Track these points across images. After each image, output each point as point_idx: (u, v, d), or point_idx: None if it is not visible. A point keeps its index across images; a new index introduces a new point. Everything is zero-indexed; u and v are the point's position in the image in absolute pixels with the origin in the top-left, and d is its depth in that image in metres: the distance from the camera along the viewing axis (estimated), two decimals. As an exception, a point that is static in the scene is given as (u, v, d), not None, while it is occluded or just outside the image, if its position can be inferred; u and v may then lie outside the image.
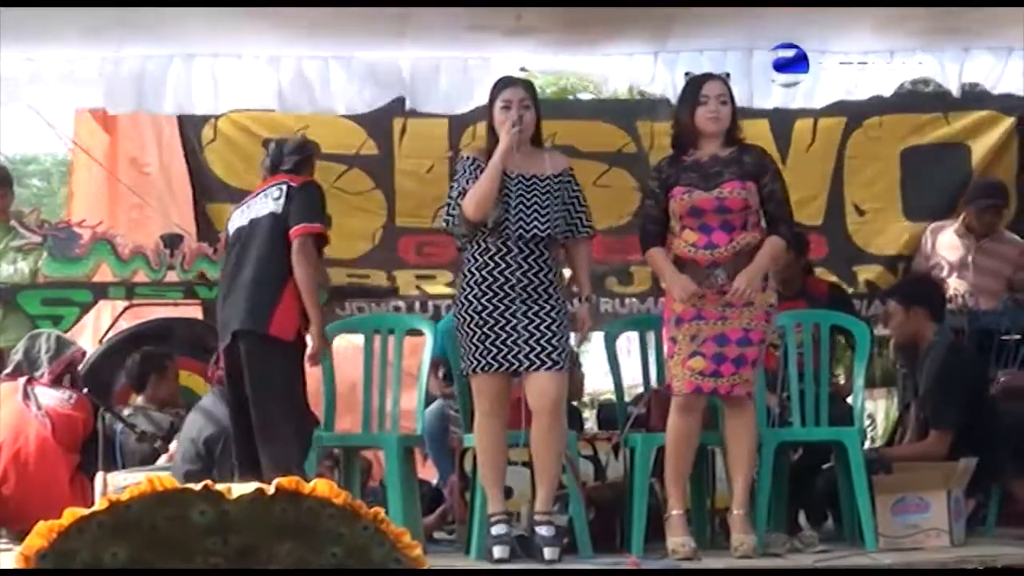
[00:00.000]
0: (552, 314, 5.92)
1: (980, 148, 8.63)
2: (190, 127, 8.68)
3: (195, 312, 8.22)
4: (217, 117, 8.55)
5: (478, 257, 5.95)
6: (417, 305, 8.48)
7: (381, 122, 8.51)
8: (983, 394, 6.84)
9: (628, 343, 6.98)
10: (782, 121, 8.51)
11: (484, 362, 5.88)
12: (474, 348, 5.89)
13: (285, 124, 8.23)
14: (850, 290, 8.36)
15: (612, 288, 8.60)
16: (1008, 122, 8.65)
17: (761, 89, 7.48)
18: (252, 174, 7.37)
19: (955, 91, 7.80)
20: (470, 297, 5.93)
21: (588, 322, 6.11)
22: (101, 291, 7.96)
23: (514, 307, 5.88)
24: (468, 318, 5.92)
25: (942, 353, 6.77)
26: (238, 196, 7.55)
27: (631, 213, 8.28)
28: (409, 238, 8.60)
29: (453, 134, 8.53)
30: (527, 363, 5.86)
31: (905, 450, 6.75)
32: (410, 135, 8.58)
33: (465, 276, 5.99)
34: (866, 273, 8.70)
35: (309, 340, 6.10)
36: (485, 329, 5.89)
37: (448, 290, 8.36)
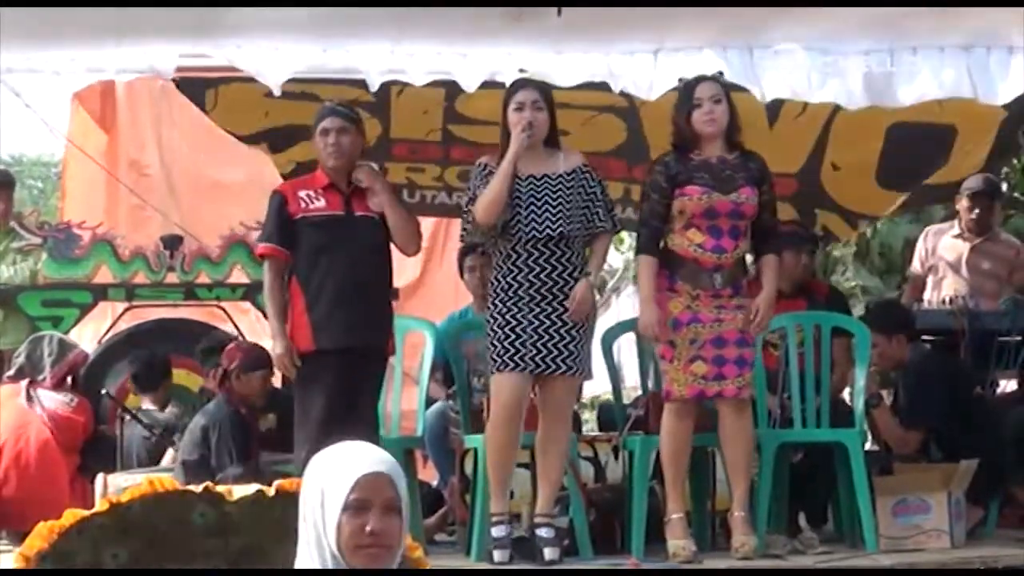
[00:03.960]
0: (571, 317, 5.89)
1: (965, 130, 8.61)
2: (190, 90, 8.58)
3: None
4: (218, 85, 8.45)
5: (501, 265, 5.94)
6: (405, 193, 8.56)
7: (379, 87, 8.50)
8: (967, 395, 6.85)
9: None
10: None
11: (502, 362, 5.85)
12: (494, 348, 5.87)
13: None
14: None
15: None
16: (998, 113, 8.63)
17: (763, 88, 7.46)
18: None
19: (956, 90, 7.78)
20: (496, 301, 5.92)
21: (581, 298, 5.88)
22: (101, 292, 7.95)
23: (529, 309, 5.86)
24: (492, 320, 5.91)
25: (917, 360, 6.88)
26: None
27: (617, 144, 8.46)
28: (403, 144, 8.64)
29: (449, 97, 8.54)
30: (542, 366, 5.84)
31: (888, 425, 6.77)
32: (406, 95, 8.51)
33: (492, 283, 5.99)
34: (825, 219, 8.82)
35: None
36: (507, 330, 5.86)
37: (436, 183, 8.47)
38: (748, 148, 6.10)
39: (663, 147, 8.34)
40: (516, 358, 5.83)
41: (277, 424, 6.77)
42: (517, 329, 5.85)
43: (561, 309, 5.87)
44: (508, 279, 5.90)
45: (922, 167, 8.65)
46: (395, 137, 8.61)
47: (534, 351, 5.83)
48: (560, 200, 5.92)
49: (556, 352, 5.85)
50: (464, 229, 6.07)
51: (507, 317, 5.87)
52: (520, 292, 5.88)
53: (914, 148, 8.55)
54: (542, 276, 5.88)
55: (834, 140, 8.64)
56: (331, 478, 2.96)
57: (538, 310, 5.86)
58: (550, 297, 5.87)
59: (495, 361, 5.87)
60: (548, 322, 5.86)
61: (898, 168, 8.65)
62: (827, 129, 8.60)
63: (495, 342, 5.87)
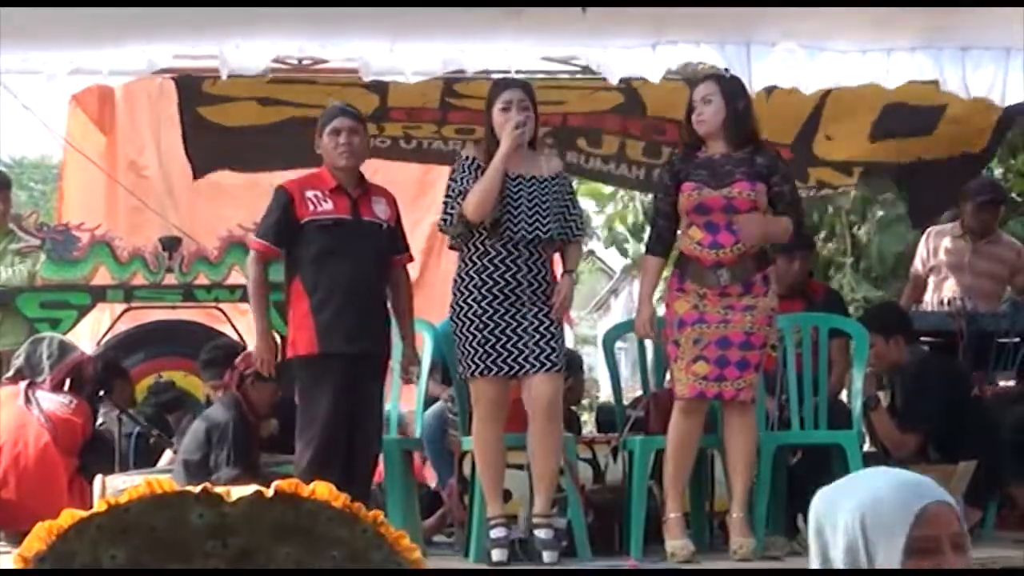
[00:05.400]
0: (551, 315, 5.92)
1: (956, 107, 8.63)
2: (188, 87, 8.57)
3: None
4: (216, 78, 8.43)
5: (477, 260, 5.93)
6: (402, 143, 8.72)
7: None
8: (964, 396, 6.86)
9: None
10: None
11: (483, 366, 5.87)
12: (473, 352, 5.88)
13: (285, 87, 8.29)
14: (800, 183, 8.58)
15: (580, 146, 8.95)
16: (994, 108, 8.66)
17: (758, 83, 7.47)
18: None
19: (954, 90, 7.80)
20: (470, 300, 5.92)
21: (567, 294, 5.97)
22: (99, 294, 7.95)
23: (518, 309, 5.88)
24: (468, 321, 5.90)
25: (916, 362, 6.91)
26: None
27: (613, 105, 8.63)
28: (400, 111, 8.67)
29: (446, 86, 8.57)
30: (527, 366, 5.85)
31: (886, 427, 6.78)
32: (402, 85, 8.54)
33: (463, 279, 5.97)
34: (818, 174, 9.01)
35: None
36: (486, 332, 5.87)
37: (433, 135, 8.59)
38: (763, 142, 6.10)
39: (660, 111, 8.42)
40: (496, 361, 5.85)
41: (279, 429, 6.78)
42: (497, 331, 5.87)
43: (535, 309, 5.89)
44: (488, 277, 5.91)
45: (915, 131, 8.74)
46: (392, 106, 8.64)
47: (516, 352, 5.85)
48: (548, 203, 5.95)
49: (538, 350, 5.86)
50: (444, 220, 6.04)
51: (485, 319, 5.88)
52: (503, 291, 5.89)
53: (909, 116, 8.60)
54: (517, 276, 5.90)
55: (827, 115, 8.70)
56: (880, 511, 2.41)
57: (513, 311, 5.89)
58: (523, 298, 5.90)
59: (471, 366, 5.88)
60: (524, 322, 5.88)
61: (891, 129, 8.71)
62: (822, 103, 8.63)
63: (473, 345, 5.88)
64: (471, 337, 5.89)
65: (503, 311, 5.88)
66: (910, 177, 9.11)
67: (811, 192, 9.04)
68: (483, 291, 5.90)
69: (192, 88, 8.51)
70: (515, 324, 5.88)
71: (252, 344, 7.66)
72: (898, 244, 11.06)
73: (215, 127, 8.65)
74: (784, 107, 8.39)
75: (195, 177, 8.91)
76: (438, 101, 8.62)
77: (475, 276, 5.92)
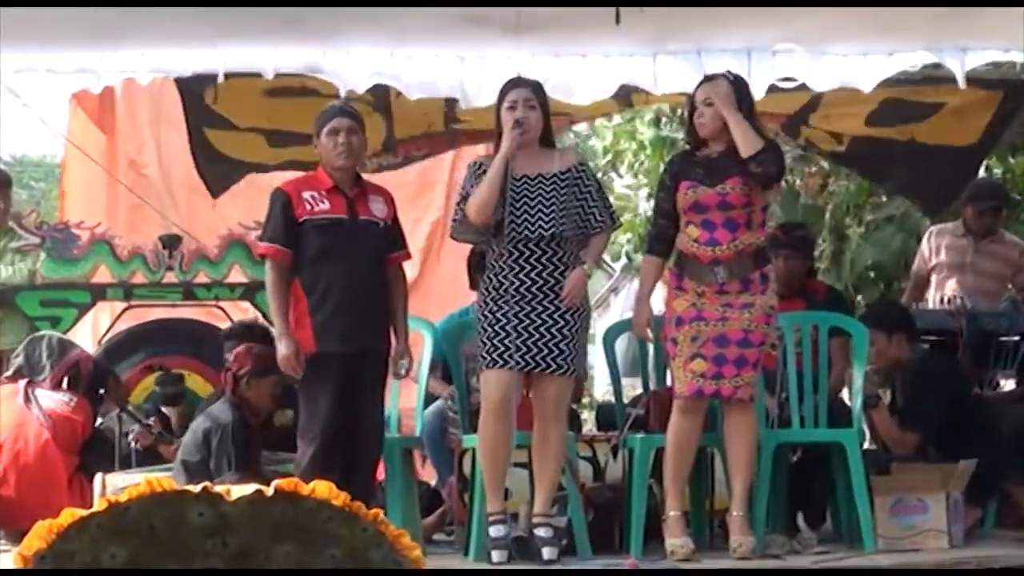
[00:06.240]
0: (564, 316, 5.90)
1: (955, 102, 8.60)
2: (190, 88, 8.54)
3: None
4: (216, 82, 8.38)
5: (494, 263, 5.95)
6: (412, 148, 8.70)
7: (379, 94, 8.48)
8: (965, 395, 6.86)
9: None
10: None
11: (490, 359, 5.87)
12: (484, 345, 5.89)
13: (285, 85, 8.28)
14: (790, 139, 8.77)
15: None
16: (992, 96, 8.64)
17: (759, 91, 7.48)
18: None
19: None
20: (487, 300, 5.94)
21: (574, 286, 5.88)
22: (99, 292, 7.95)
23: (519, 307, 5.87)
24: (484, 318, 5.93)
25: (917, 362, 6.91)
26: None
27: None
28: (408, 144, 8.66)
29: (449, 103, 8.55)
30: (533, 364, 5.85)
31: (886, 425, 6.77)
32: (406, 107, 8.51)
33: (485, 281, 6.00)
34: (808, 133, 8.91)
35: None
36: (496, 327, 5.88)
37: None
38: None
39: None
40: (504, 355, 5.85)
41: (294, 421, 6.74)
42: (507, 327, 5.87)
43: (551, 308, 5.88)
44: (499, 277, 5.92)
45: (912, 118, 8.72)
46: (400, 137, 8.63)
47: (524, 349, 5.85)
48: (553, 200, 5.92)
49: (546, 351, 5.86)
50: (453, 228, 6.08)
51: (496, 315, 5.89)
52: (510, 291, 5.89)
53: (908, 107, 8.59)
54: (532, 275, 5.89)
55: (826, 100, 8.66)
56: None
57: (528, 308, 5.88)
58: (540, 296, 5.89)
59: (484, 358, 5.90)
60: (539, 320, 5.87)
61: (888, 117, 8.68)
62: (818, 98, 8.59)
63: (484, 339, 5.90)
64: (485, 332, 5.90)
65: (517, 309, 5.88)
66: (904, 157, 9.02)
67: (797, 153, 8.98)
68: (500, 291, 5.91)
69: (196, 102, 8.48)
70: (527, 322, 5.87)
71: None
72: (880, 252, 11.02)
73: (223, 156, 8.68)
74: (783, 97, 8.40)
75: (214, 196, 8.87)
76: (442, 124, 8.58)
77: (492, 278, 5.94)
